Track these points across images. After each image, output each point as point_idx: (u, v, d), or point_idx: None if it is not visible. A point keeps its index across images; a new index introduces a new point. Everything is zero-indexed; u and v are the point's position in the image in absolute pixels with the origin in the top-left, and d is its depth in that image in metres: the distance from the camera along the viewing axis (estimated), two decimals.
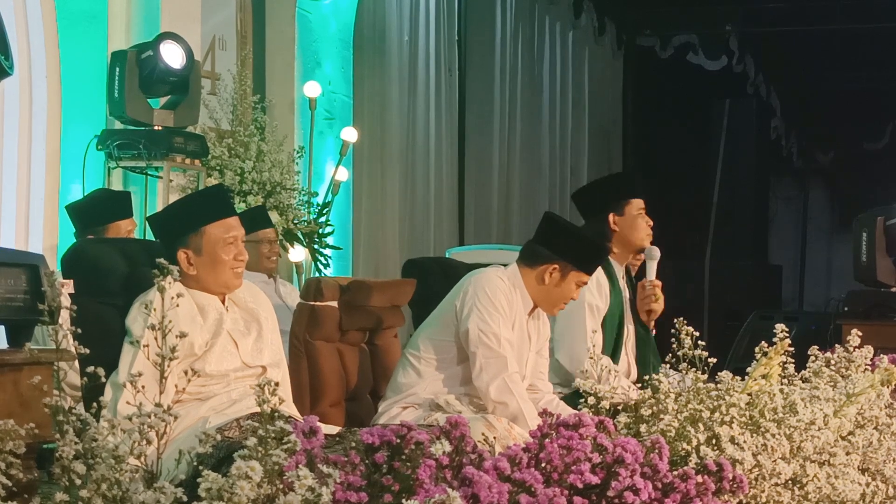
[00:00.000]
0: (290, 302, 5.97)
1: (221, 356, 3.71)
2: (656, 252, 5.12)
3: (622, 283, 5.07)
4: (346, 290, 4.84)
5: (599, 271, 4.89)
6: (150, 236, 5.40)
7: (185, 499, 2.36)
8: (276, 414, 2.47)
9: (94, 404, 2.69)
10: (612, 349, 4.97)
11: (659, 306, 5.10)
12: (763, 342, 3.76)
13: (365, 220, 8.94)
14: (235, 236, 3.76)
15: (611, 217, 5.01)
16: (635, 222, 5.03)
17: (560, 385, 4.79)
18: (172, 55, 6.37)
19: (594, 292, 4.89)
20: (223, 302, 3.81)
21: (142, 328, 3.54)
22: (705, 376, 3.57)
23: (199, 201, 4.00)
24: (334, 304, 4.82)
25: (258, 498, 2.29)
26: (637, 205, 5.03)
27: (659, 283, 5.12)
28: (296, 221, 7.52)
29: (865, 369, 4.24)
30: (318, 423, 2.48)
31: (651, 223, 5.07)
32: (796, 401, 3.58)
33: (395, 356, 4.91)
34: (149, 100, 6.47)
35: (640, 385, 4.28)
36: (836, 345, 4.40)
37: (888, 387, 4.17)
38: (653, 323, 5.14)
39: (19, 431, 2.62)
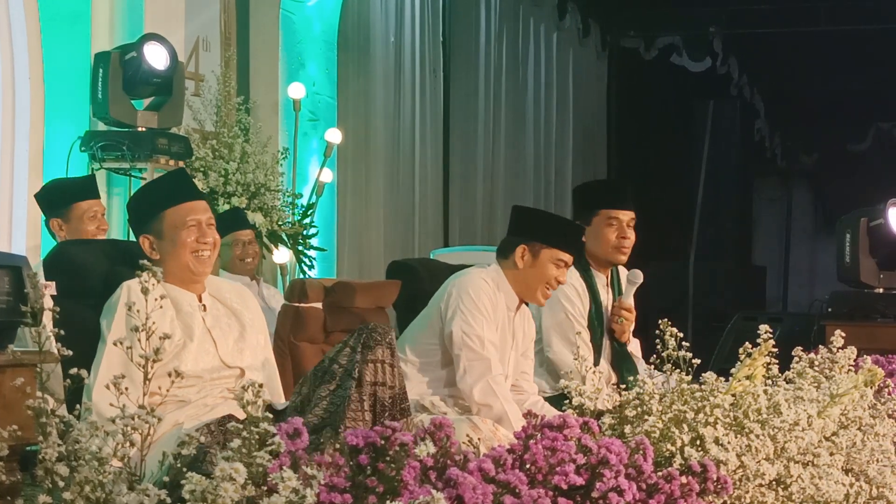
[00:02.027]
0: (274, 304, 5.95)
1: (198, 355, 3.58)
2: (637, 276, 4.91)
3: (603, 293, 4.95)
4: (330, 291, 4.85)
5: (578, 279, 4.85)
6: (132, 237, 5.40)
7: (168, 500, 2.36)
8: (258, 417, 2.45)
9: (77, 406, 2.69)
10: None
11: (620, 329, 4.89)
12: (747, 343, 3.76)
13: (349, 221, 8.94)
14: (198, 220, 3.66)
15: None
16: (599, 233, 4.86)
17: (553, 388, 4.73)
18: (156, 56, 6.35)
19: (572, 299, 4.84)
20: (200, 299, 3.69)
21: (107, 327, 3.51)
22: (689, 377, 3.57)
23: (159, 186, 3.90)
24: (319, 305, 4.82)
25: (242, 500, 2.29)
26: (605, 215, 4.84)
27: (628, 307, 4.90)
28: (280, 223, 7.51)
29: (849, 370, 4.25)
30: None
31: (627, 237, 4.86)
32: (780, 402, 3.59)
33: None
34: (132, 101, 6.45)
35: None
36: (820, 346, 4.40)
37: (871, 387, 4.18)
38: (626, 337, 4.92)
39: (2, 434, 2.61)
